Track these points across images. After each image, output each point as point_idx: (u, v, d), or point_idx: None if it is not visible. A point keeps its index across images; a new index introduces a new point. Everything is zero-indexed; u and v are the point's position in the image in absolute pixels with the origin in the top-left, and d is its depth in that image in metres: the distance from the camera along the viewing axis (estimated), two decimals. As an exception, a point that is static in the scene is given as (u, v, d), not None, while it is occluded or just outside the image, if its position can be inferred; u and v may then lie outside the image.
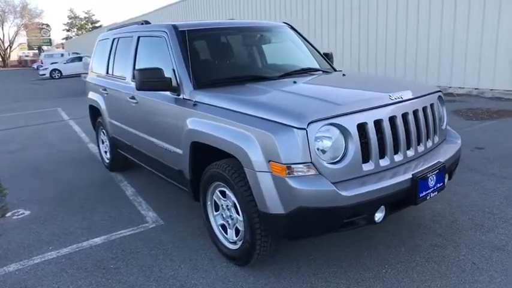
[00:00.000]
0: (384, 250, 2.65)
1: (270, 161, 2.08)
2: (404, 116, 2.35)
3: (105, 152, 4.89)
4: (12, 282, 2.59)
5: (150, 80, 2.83)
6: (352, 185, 2.07)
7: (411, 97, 2.44)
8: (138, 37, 3.62)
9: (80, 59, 23.54)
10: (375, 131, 2.19)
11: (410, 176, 2.21)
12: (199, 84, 2.79)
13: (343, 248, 2.69)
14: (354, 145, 2.11)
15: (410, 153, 2.37)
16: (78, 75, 19.79)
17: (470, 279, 2.30)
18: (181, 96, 2.86)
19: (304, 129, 2.01)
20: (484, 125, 5.97)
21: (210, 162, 2.65)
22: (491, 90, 8.34)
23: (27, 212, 3.73)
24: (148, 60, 3.47)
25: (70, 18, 63.06)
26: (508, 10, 7.80)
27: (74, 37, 58.79)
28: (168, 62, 3.05)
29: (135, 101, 3.47)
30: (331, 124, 2.08)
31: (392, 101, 2.32)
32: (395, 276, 2.38)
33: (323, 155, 2.07)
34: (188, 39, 3.04)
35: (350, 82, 3.05)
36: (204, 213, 2.78)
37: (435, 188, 2.35)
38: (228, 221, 2.59)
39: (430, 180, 2.29)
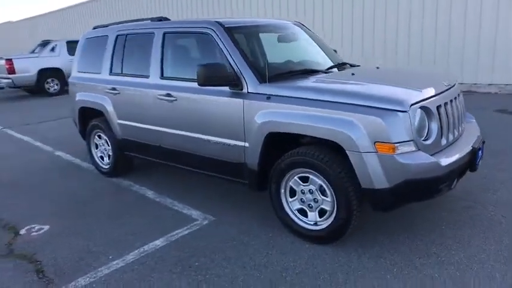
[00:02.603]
0: (433, 215, 3.10)
1: (375, 142, 2.34)
2: (455, 99, 2.82)
3: (101, 158, 4.57)
4: (98, 295, 2.42)
5: (215, 75, 2.86)
6: (440, 157, 2.45)
7: (454, 84, 2.93)
8: (164, 33, 3.53)
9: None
10: (445, 112, 2.61)
11: (471, 148, 2.68)
12: (264, 78, 2.90)
13: (398, 220, 3.07)
14: (436, 123, 2.50)
15: (460, 129, 2.86)
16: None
17: (510, 226, 2.87)
18: (244, 91, 2.93)
19: (407, 111, 2.33)
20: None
21: (280, 152, 2.82)
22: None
23: (45, 227, 3.37)
24: (184, 56, 3.44)
25: None
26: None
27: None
28: (217, 57, 3.10)
29: (171, 98, 3.39)
30: (421, 107, 2.44)
31: (447, 88, 2.77)
32: (455, 232, 2.83)
33: (418, 133, 2.41)
34: (237, 36, 3.13)
35: (395, 74, 3.47)
36: (276, 201, 2.91)
37: (481, 157, 2.87)
38: (309, 204, 2.77)
39: (479, 150, 2.80)
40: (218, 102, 3.07)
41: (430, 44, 8.83)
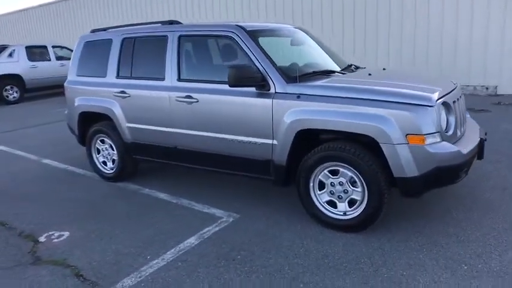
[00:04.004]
0: (441, 202, 3.41)
1: (407, 134, 2.59)
2: (460, 97, 3.17)
3: (104, 163, 4.48)
4: (152, 292, 2.44)
5: (245, 76, 2.99)
6: (459, 146, 2.75)
7: (457, 85, 3.28)
8: (180, 36, 3.59)
9: None
10: (458, 107, 2.93)
11: (479, 139, 3.03)
12: (290, 79, 3.07)
13: (412, 208, 3.36)
14: (453, 117, 2.81)
15: (466, 123, 3.21)
16: None
17: (509, 208, 3.25)
18: (271, 91, 3.08)
19: (434, 106, 2.61)
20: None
21: (305, 149, 3.02)
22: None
23: (65, 233, 3.29)
24: (204, 59, 3.51)
25: None
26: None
27: None
28: (240, 60, 3.24)
29: (192, 100, 3.45)
30: (443, 102, 2.73)
31: (455, 87, 3.11)
32: (465, 215, 3.14)
33: (441, 125, 2.69)
34: (258, 39, 3.29)
35: (406, 74, 3.78)
36: (305, 195, 3.07)
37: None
38: (339, 196, 2.97)
39: (485, 141, 3.15)
40: (245, 102, 3.19)
41: (396, 48, 9.50)
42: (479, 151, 3.02)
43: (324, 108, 2.84)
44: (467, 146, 2.81)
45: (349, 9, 10.06)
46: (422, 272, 2.48)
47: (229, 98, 3.27)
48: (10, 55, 12.31)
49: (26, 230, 3.38)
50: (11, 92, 12.17)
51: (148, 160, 4.11)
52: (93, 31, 4.52)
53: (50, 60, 12.93)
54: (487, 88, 8.59)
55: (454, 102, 2.88)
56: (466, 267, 2.49)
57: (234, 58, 3.33)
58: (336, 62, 3.82)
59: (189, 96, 3.48)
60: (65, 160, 5.41)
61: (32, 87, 12.52)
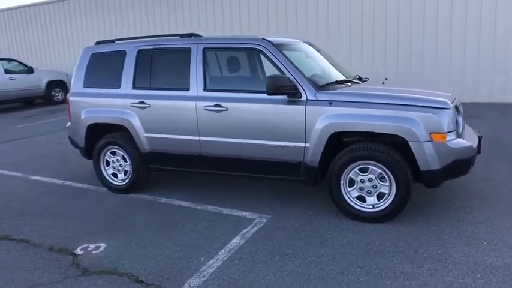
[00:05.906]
0: (442, 194, 3.92)
1: (431, 133, 3.03)
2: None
3: (114, 174, 4.43)
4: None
5: (282, 85, 3.26)
6: (469, 142, 3.25)
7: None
8: (204, 49, 3.76)
9: None
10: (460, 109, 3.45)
11: (478, 137, 3.57)
12: (318, 87, 3.40)
13: (420, 200, 3.82)
14: (460, 118, 3.32)
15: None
16: None
17: (499, 195, 3.83)
18: (303, 98, 3.38)
19: (450, 108, 3.08)
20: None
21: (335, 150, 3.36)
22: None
23: (102, 244, 3.26)
24: (233, 70, 3.70)
25: None
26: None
27: None
28: (270, 70, 3.50)
29: (221, 108, 3.62)
30: (454, 105, 3.22)
31: (455, 94, 3.65)
32: (468, 203, 3.66)
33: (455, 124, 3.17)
34: (284, 52, 3.58)
35: (410, 83, 4.29)
36: (336, 192, 3.38)
37: (479, 144, 3.80)
38: (368, 191, 3.32)
39: (482, 138, 3.71)
40: (277, 109, 3.44)
41: (370, 59, 10.35)
42: (478, 148, 3.56)
43: (358, 112, 3.19)
44: (474, 142, 3.33)
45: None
46: (453, 249, 2.89)
47: (261, 106, 3.50)
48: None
49: (56, 245, 3.28)
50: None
51: (166, 169, 4.16)
52: (99, 43, 4.50)
53: (-2, 73, 12.09)
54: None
55: (459, 105, 3.40)
56: (485, 243, 2.95)
57: (262, 69, 3.58)
58: (343, 73, 4.23)
59: (218, 105, 3.65)
60: (57, 175, 5.21)
61: (-22, 103, 11.62)
